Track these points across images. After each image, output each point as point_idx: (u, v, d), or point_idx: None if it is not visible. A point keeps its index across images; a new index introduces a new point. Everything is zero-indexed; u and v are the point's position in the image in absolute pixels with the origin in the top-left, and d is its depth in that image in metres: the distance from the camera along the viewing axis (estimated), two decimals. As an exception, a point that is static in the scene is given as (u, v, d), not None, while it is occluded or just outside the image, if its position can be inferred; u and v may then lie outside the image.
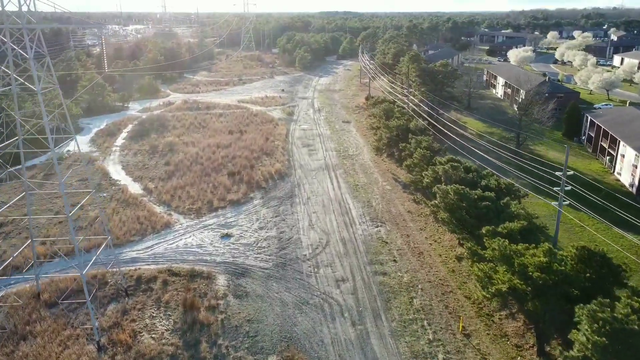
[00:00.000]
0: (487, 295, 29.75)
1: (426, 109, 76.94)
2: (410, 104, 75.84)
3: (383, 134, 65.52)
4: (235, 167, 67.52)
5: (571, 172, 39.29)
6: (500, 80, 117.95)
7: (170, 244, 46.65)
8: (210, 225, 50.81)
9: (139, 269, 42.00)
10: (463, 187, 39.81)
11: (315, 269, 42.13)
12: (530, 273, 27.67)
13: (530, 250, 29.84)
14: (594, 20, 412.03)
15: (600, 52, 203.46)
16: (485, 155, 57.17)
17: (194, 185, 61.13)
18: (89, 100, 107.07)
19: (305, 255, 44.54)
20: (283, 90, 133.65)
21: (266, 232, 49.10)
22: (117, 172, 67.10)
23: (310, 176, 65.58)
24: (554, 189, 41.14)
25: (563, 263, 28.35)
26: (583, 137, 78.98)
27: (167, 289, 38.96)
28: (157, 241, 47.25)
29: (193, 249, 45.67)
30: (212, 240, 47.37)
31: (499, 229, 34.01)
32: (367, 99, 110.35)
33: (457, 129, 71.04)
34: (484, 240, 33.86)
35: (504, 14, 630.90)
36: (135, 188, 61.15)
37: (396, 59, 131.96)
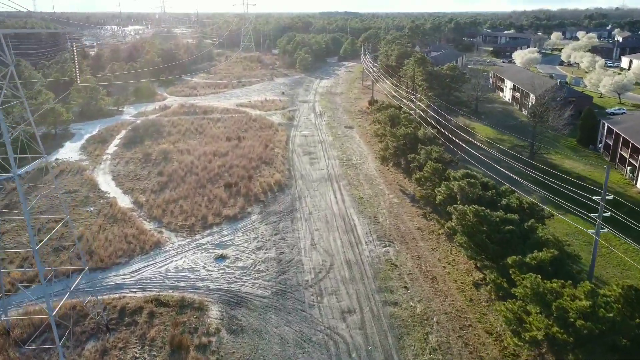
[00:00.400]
0: (520, 343, 25.74)
1: (432, 114, 72.95)
2: (417, 110, 71.78)
3: (389, 142, 61.52)
4: (232, 177, 63.52)
5: (611, 197, 35.06)
6: (508, 84, 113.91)
7: (160, 267, 42.65)
8: (203, 244, 46.82)
9: (124, 297, 37.99)
10: (483, 208, 35.78)
11: (319, 298, 38.13)
12: (572, 320, 23.67)
13: (567, 289, 25.85)
14: (598, 21, 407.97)
15: (607, 54, 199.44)
16: (498, 167, 53.17)
17: (188, 198, 57.13)
18: (81, 105, 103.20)
19: (307, 281, 40.54)
20: (283, 93, 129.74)
21: (264, 253, 45.10)
22: (106, 183, 63.08)
23: (312, 188, 61.57)
24: (592, 215, 36.80)
25: (608, 307, 24.33)
26: (599, 145, 74.94)
27: (154, 322, 34.95)
28: (145, 264, 43.25)
29: (184, 273, 41.67)
30: (205, 263, 43.37)
31: (527, 260, 30.02)
32: (370, 103, 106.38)
33: (466, 136, 67.02)
34: (510, 272, 29.85)
35: (506, 14, 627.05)
36: (125, 201, 57.16)
37: (400, 61, 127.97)
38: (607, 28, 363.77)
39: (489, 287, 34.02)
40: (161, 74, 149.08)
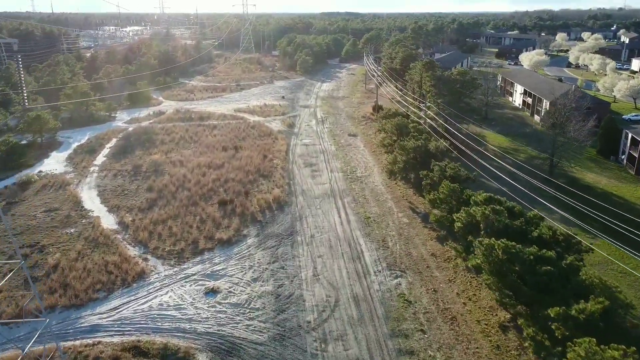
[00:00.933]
0: None
1: (442, 123, 67.95)
2: (427, 119, 66.68)
3: (398, 156, 56.49)
4: (228, 193, 58.57)
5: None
6: (519, 88, 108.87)
7: (142, 304, 37.68)
8: (193, 275, 41.85)
9: (98, 343, 33.04)
10: (513, 243, 30.78)
11: (322, 345, 33.14)
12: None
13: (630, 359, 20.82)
14: (603, 22, 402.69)
15: (615, 55, 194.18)
16: (515, 183, 48.23)
17: (178, 218, 52.17)
18: (71, 110, 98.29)
19: (309, 322, 35.55)
20: (283, 97, 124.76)
21: (261, 286, 40.12)
22: (91, 200, 58.11)
23: (314, 205, 56.57)
24: None
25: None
26: (622, 157, 69.91)
27: (131, 378, 30.03)
28: (126, 299, 38.28)
29: (169, 312, 36.70)
30: (193, 299, 38.39)
31: (573, 312, 25.04)
32: (374, 109, 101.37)
33: (478, 147, 62.08)
34: (554, 327, 24.84)
35: (508, 14, 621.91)
36: (109, 221, 52.20)
37: (405, 64, 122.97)
38: (612, 29, 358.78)
39: (526, 343, 28.92)
40: (157, 77, 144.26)
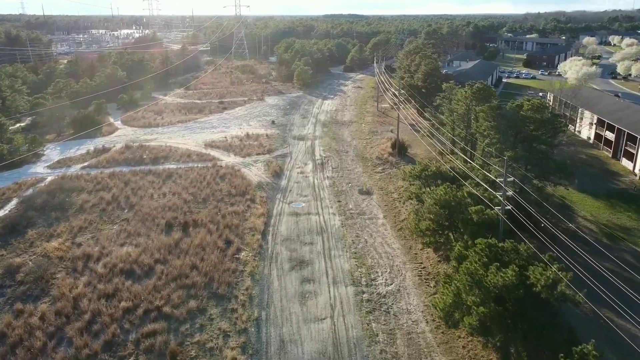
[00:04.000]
0: None
1: (523, 203, 40.28)
2: (501, 200, 38.14)
3: (469, 297, 28.47)
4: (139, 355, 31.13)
5: None
6: (588, 116, 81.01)
7: None
8: None
9: None
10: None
11: None
12: None
13: None
14: (630, 24, 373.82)
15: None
16: None
17: None
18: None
19: None
20: (273, 122, 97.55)
21: None
22: None
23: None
24: None
25: None
26: None
27: None
28: None
29: None
30: None
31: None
32: (394, 147, 73.71)
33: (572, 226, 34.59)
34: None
35: (520, 16, 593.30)
36: None
37: (428, 80, 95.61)
38: (639, 31, 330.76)
39: None
40: (122, 93, 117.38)
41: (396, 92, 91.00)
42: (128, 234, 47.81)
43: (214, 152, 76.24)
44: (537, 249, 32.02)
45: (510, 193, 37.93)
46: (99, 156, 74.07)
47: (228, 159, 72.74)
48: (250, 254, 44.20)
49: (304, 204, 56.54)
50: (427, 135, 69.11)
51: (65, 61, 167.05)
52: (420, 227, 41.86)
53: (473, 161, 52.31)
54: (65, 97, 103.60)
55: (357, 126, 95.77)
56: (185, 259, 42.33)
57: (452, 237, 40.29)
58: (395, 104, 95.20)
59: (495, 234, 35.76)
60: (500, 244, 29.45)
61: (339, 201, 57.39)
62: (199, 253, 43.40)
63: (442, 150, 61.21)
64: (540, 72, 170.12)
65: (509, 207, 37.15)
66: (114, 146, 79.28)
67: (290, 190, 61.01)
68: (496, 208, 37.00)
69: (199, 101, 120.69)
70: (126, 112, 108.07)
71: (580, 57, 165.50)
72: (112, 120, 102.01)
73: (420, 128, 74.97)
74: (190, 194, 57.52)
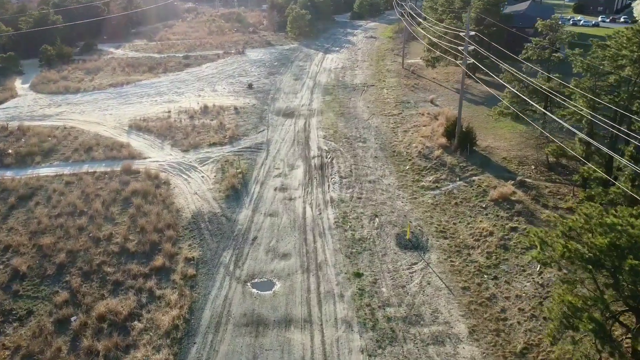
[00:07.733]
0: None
1: None
2: None
3: None
4: None
5: None
6: None
7: None
8: None
9: None
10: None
11: None
12: None
13: None
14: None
15: None
16: None
17: None
18: None
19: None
20: (250, 85, 65.27)
21: None
22: None
23: None
24: None
25: None
26: None
27: None
28: None
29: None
30: None
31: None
32: (452, 136, 41.22)
33: None
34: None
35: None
36: None
37: (485, 22, 62.18)
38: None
39: None
40: (49, 44, 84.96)
41: (435, 39, 57.64)
42: None
43: (137, 141, 44.79)
44: None
45: None
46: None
47: (157, 156, 41.39)
48: None
49: (277, 287, 25.36)
50: (513, 111, 37.34)
51: None
52: None
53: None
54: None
55: (377, 93, 63.17)
56: None
57: None
58: (435, 58, 62.33)
59: None
60: None
61: (357, 275, 26.14)
62: None
63: (557, 147, 29.63)
64: (600, 19, 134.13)
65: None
66: (-17, 127, 47.92)
67: (254, 242, 29.68)
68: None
69: (157, 55, 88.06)
70: (49, 71, 76.18)
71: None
72: (17, 83, 70.35)
73: (477, 96, 42.83)
74: (25, 261, 26.56)
